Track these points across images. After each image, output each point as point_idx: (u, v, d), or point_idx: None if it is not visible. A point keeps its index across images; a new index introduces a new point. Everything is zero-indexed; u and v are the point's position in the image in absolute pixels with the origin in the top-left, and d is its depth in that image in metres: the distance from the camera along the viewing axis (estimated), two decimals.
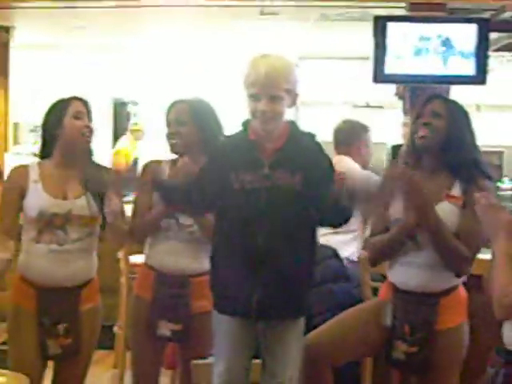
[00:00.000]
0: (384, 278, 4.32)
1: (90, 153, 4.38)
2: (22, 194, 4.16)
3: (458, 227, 3.89)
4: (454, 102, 4.23)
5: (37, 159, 4.38)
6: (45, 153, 4.30)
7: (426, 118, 4.04)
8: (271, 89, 3.46)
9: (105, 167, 4.51)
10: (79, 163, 4.28)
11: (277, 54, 3.60)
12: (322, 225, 3.83)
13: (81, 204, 4.22)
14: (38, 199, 4.15)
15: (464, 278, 4.07)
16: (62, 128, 4.17)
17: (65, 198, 4.19)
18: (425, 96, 4.41)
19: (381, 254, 4.18)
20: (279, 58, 3.57)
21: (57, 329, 4.22)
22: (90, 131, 4.24)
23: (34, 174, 4.18)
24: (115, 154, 11.33)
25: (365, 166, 5.93)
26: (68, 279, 4.22)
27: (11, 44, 9.18)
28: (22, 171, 4.24)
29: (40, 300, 4.16)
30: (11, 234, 4.21)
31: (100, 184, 4.25)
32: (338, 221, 3.71)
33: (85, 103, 4.26)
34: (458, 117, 4.08)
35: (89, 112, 4.26)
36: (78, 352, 4.33)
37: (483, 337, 3.86)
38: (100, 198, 4.21)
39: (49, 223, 4.14)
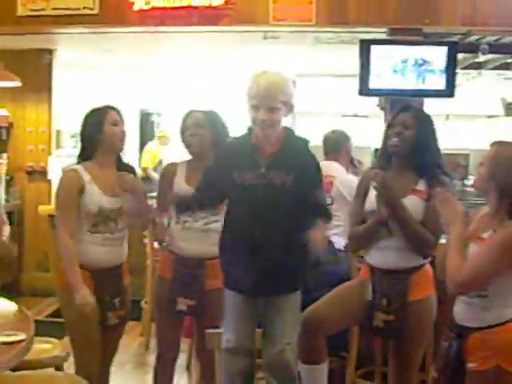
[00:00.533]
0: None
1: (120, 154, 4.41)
2: (80, 195, 4.15)
3: (423, 217, 3.94)
4: (423, 113, 4.27)
5: (74, 161, 4.38)
6: (85, 155, 4.28)
7: (397, 128, 4.09)
8: (269, 101, 3.49)
9: (130, 166, 4.52)
10: (114, 163, 4.31)
11: (275, 70, 3.61)
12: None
13: (125, 199, 4.27)
14: (96, 198, 4.17)
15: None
16: (103, 134, 4.19)
17: (114, 195, 4.23)
18: (397, 107, 4.43)
19: (360, 241, 4.24)
20: (277, 74, 3.59)
21: (114, 302, 4.28)
22: (124, 136, 4.29)
23: (85, 176, 4.16)
24: (145, 153, 11.37)
25: (347, 168, 5.97)
26: (116, 260, 4.30)
27: (54, 64, 9.16)
28: (73, 175, 4.20)
29: (96, 280, 4.17)
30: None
31: (131, 181, 4.29)
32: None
33: (118, 112, 4.30)
34: (425, 127, 4.12)
35: (122, 119, 4.30)
36: (127, 321, 4.46)
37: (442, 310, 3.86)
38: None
39: (106, 217, 4.19)
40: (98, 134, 4.21)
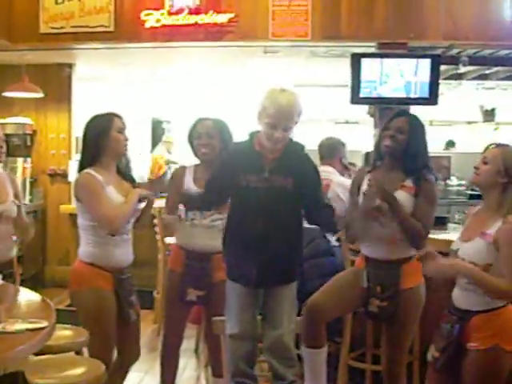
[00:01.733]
0: (358, 252, 4.35)
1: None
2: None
3: (413, 210, 3.92)
4: (415, 118, 4.24)
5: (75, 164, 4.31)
6: (90, 161, 4.08)
7: (391, 132, 4.06)
8: (286, 122, 3.51)
9: (130, 174, 4.40)
10: (115, 169, 4.21)
11: (290, 89, 3.59)
12: (309, 222, 3.83)
13: None
14: (115, 199, 4.06)
15: None
16: (109, 140, 4.05)
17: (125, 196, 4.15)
18: (392, 112, 4.41)
19: (353, 232, 4.26)
20: (292, 94, 3.57)
21: (131, 300, 4.23)
22: (127, 143, 4.17)
23: (101, 179, 4.02)
24: (153, 159, 11.38)
25: (342, 172, 5.96)
26: (129, 260, 4.23)
27: (73, 77, 9.18)
28: (91, 177, 4.01)
29: (115, 280, 4.10)
30: None
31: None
32: (324, 223, 3.77)
33: (122, 119, 4.17)
34: (417, 132, 4.11)
35: (125, 127, 4.17)
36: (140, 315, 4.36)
37: (436, 297, 3.85)
38: None
39: None
40: (105, 140, 4.04)
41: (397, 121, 4.13)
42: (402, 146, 4.03)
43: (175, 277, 4.47)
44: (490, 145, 3.57)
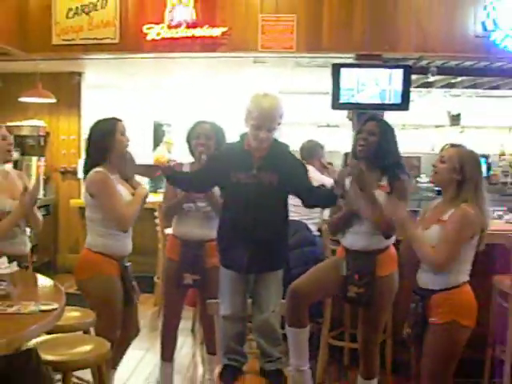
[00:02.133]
0: (338, 243, 4.35)
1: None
2: None
3: (385, 207, 3.91)
4: (385, 122, 4.26)
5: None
6: (96, 161, 4.06)
7: (364, 135, 4.07)
8: (270, 123, 3.50)
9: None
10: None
11: (272, 94, 3.59)
12: (308, 205, 3.87)
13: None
14: (125, 196, 4.10)
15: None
16: (114, 142, 4.05)
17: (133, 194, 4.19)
18: (362, 119, 4.43)
19: (335, 228, 4.27)
20: (275, 98, 3.56)
21: (133, 284, 4.28)
22: (128, 144, 4.17)
23: (113, 178, 4.06)
24: (155, 158, 11.37)
25: (321, 171, 5.96)
26: (130, 249, 4.27)
27: (82, 84, 9.18)
28: (107, 175, 4.01)
29: (121, 267, 4.16)
30: None
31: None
32: (324, 202, 3.81)
33: (123, 124, 4.17)
34: (387, 134, 4.12)
35: (126, 130, 4.17)
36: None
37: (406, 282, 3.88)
38: None
39: None
40: (111, 141, 4.04)
41: (368, 124, 4.14)
42: (374, 147, 4.03)
43: (173, 264, 4.47)
44: (447, 145, 3.62)
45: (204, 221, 4.33)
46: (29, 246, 4.37)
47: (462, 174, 3.43)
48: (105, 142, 4.06)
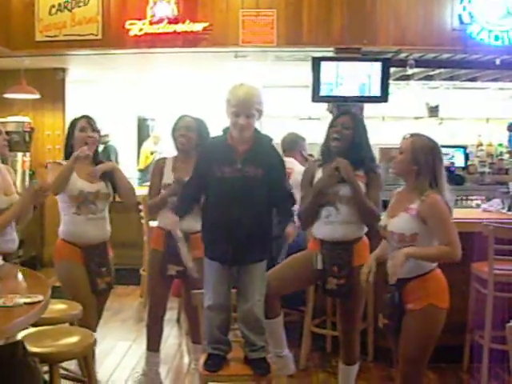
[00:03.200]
0: None
1: (97, 153, 4.48)
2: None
3: (366, 195, 3.92)
4: (357, 117, 4.30)
5: None
6: (67, 155, 4.36)
7: (338, 128, 4.09)
8: (247, 109, 3.48)
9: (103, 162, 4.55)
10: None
11: (249, 83, 3.59)
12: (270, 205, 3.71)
13: (103, 185, 4.35)
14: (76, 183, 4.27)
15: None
16: (74, 139, 4.33)
17: (92, 181, 4.30)
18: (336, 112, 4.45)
19: (306, 216, 4.26)
20: (252, 86, 3.57)
21: (101, 271, 4.30)
22: (92, 140, 4.34)
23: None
24: (142, 152, 11.36)
25: (302, 163, 5.96)
26: (100, 237, 4.37)
27: (66, 80, 9.16)
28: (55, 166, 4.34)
29: (85, 253, 4.27)
30: None
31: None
32: (282, 208, 3.74)
33: (84, 120, 4.37)
34: (360, 128, 4.15)
35: (91, 125, 4.35)
36: (111, 287, 4.46)
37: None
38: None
39: (85, 199, 4.27)
40: (71, 138, 4.36)
41: (341, 118, 4.17)
42: (349, 140, 4.05)
43: (157, 255, 4.49)
44: (406, 135, 3.57)
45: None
46: (17, 242, 4.34)
47: (417, 163, 3.42)
48: (68, 139, 4.40)
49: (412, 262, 3.37)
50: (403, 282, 3.42)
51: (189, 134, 4.45)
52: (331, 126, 4.18)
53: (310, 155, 6.38)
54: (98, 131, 4.43)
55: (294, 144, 6.12)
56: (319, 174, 4.16)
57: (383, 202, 4.07)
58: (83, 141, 4.28)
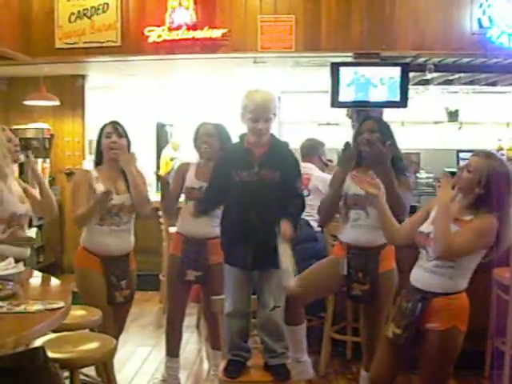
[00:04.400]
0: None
1: None
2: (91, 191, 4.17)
3: None
4: (382, 120, 4.29)
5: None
6: (98, 161, 4.35)
7: (366, 135, 4.10)
8: (266, 113, 3.49)
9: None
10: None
11: (263, 89, 3.61)
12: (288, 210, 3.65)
13: (127, 197, 4.23)
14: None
15: None
16: (102, 145, 4.26)
17: (117, 193, 4.18)
18: (361, 117, 4.44)
19: (324, 208, 4.31)
20: (266, 91, 3.58)
21: (121, 284, 4.25)
22: (117, 146, 4.23)
23: (94, 175, 4.23)
24: (162, 159, 11.40)
25: (322, 168, 5.96)
26: (122, 249, 4.29)
27: (86, 86, 9.21)
28: (80, 175, 4.34)
29: (104, 263, 4.21)
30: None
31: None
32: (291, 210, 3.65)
33: (110, 125, 4.28)
34: (385, 130, 4.12)
35: (117, 131, 4.25)
36: (132, 299, 4.40)
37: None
38: None
39: (109, 211, 4.16)
40: (99, 144, 4.28)
41: (367, 123, 4.17)
42: (379, 142, 4.03)
43: (175, 260, 4.53)
44: (481, 152, 3.37)
45: (207, 218, 4.32)
46: (29, 250, 4.35)
47: (485, 188, 3.23)
48: (97, 146, 4.31)
49: (445, 279, 3.29)
50: (429, 295, 3.32)
51: (210, 140, 4.50)
52: (358, 132, 4.19)
53: (330, 160, 6.38)
54: (126, 136, 4.29)
55: (312, 149, 6.12)
56: (348, 179, 4.13)
57: (411, 207, 4.05)
58: (108, 147, 4.21)
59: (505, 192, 3.24)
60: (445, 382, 3.43)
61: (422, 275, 3.40)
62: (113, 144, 4.21)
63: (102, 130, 4.28)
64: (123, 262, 4.28)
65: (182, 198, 4.68)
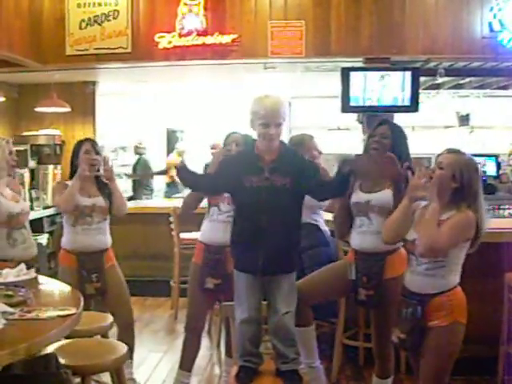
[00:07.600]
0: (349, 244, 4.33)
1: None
2: None
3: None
4: (397, 126, 4.27)
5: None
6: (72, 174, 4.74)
7: (377, 138, 4.09)
8: (276, 118, 3.49)
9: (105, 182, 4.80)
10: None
11: (272, 94, 3.61)
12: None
13: (99, 200, 4.69)
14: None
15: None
16: (79, 159, 4.70)
17: (90, 196, 4.66)
18: (376, 121, 4.41)
19: (337, 221, 4.35)
20: (276, 97, 3.58)
21: (91, 277, 4.58)
22: (96, 162, 4.70)
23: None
24: (167, 163, 11.43)
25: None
26: (96, 246, 4.67)
27: (96, 93, 9.22)
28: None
29: (79, 260, 4.60)
30: None
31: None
32: (337, 191, 3.73)
33: (89, 143, 4.76)
34: (398, 136, 4.14)
35: (95, 148, 4.74)
36: (105, 292, 4.65)
37: None
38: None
39: (82, 212, 4.61)
40: (76, 160, 4.71)
41: (381, 128, 4.16)
42: (387, 149, 4.02)
43: (196, 268, 4.53)
44: (445, 150, 3.49)
45: (227, 225, 4.30)
46: (36, 247, 4.61)
47: (461, 181, 3.35)
48: (72, 159, 4.75)
49: (439, 278, 3.35)
50: (426, 297, 3.37)
51: (237, 148, 4.50)
52: (370, 136, 4.19)
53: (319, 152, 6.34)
54: (101, 154, 4.77)
55: (299, 143, 6.08)
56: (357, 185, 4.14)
57: None
58: (88, 162, 4.64)
59: (476, 182, 3.39)
60: (445, 377, 3.44)
61: (415, 279, 3.46)
62: (93, 160, 4.68)
63: (79, 145, 4.75)
64: (97, 258, 4.64)
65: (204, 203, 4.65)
